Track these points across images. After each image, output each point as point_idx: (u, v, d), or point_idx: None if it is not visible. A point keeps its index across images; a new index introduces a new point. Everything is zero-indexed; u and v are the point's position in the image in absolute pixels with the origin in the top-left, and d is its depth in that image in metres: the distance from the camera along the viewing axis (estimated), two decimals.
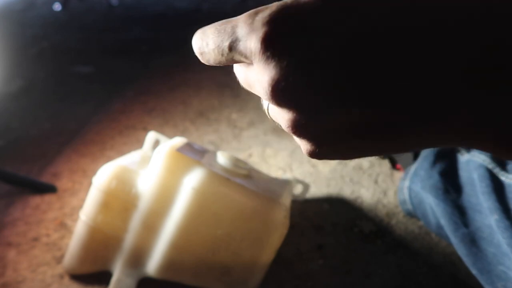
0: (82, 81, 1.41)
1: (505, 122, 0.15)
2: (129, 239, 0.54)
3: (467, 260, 0.54)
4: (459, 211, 0.57)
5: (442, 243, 0.66)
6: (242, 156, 0.92)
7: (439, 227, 0.62)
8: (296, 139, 0.19)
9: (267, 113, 0.20)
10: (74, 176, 0.83)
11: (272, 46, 0.16)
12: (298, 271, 0.61)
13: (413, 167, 0.71)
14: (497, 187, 0.53)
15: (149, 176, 0.53)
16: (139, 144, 0.96)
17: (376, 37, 0.15)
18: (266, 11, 0.16)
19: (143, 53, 1.78)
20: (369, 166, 0.85)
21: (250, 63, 0.17)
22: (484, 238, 0.52)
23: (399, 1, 0.15)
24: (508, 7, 0.14)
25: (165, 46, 1.89)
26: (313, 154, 0.19)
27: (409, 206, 0.70)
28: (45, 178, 0.81)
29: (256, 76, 0.17)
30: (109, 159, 0.89)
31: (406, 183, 0.70)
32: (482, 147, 0.17)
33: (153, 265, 0.54)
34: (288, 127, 0.18)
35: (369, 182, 0.82)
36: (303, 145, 0.19)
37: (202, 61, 0.19)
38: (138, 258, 0.55)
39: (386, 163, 0.86)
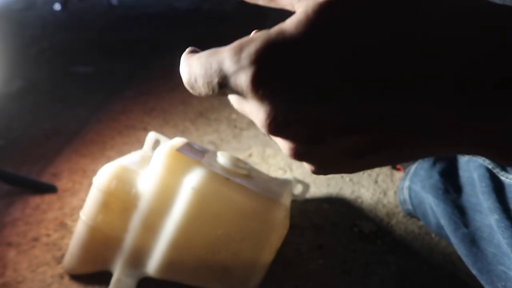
0: (82, 81, 1.41)
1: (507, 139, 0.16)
2: (129, 239, 0.54)
3: (467, 260, 0.54)
4: (459, 211, 0.57)
5: (442, 243, 0.66)
6: (242, 156, 0.92)
7: (439, 227, 0.62)
8: None
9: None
10: (74, 176, 0.83)
11: (263, 86, 0.15)
12: (298, 271, 0.61)
13: (413, 167, 0.71)
14: (497, 187, 0.53)
15: (149, 176, 0.53)
16: (139, 144, 0.96)
17: (366, 69, 0.15)
18: (251, 47, 0.15)
19: (143, 53, 1.78)
20: None
21: (243, 97, 0.17)
22: (484, 238, 0.52)
23: (389, 31, 0.15)
24: None
25: (165, 46, 1.89)
26: (316, 173, 0.20)
27: (409, 206, 0.70)
28: (45, 178, 0.81)
29: (250, 110, 0.17)
30: (109, 159, 0.89)
31: (406, 183, 0.70)
32: (483, 156, 0.17)
33: (153, 265, 0.54)
34: (289, 154, 0.18)
35: (369, 182, 0.82)
36: (307, 166, 0.19)
37: (193, 93, 0.19)
38: (138, 258, 0.55)
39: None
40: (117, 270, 0.55)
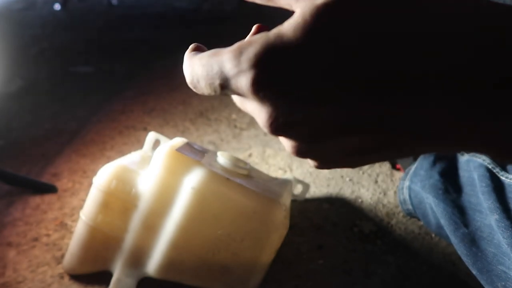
0: (82, 81, 1.41)
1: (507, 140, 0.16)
2: (129, 239, 0.54)
3: (467, 260, 0.54)
4: (459, 211, 0.57)
5: (442, 243, 0.66)
6: (242, 156, 0.92)
7: (439, 227, 0.62)
8: None
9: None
10: (74, 176, 0.83)
11: (263, 89, 0.16)
12: (298, 271, 0.61)
13: (413, 167, 0.71)
14: (497, 187, 0.53)
15: (149, 176, 0.53)
16: (139, 144, 0.96)
17: (365, 70, 0.15)
18: (250, 50, 0.16)
19: (143, 53, 1.78)
20: (369, 166, 0.85)
21: (245, 97, 0.17)
22: (484, 238, 0.52)
23: (388, 32, 0.15)
24: None
25: (165, 46, 1.89)
26: (319, 168, 0.20)
27: (409, 206, 0.70)
28: (45, 178, 0.81)
29: (252, 110, 0.18)
30: (109, 159, 0.89)
31: (406, 183, 0.70)
32: (483, 154, 0.18)
33: (153, 265, 0.54)
34: (292, 152, 0.19)
35: (369, 182, 0.82)
36: (309, 162, 0.20)
37: (197, 92, 0.19)
38: (138, 258, 0.55)
39: (386, 163, 0.86)
40: (117, 270, 0.55)
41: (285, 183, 0.65)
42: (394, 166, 0.85)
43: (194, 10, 2.69)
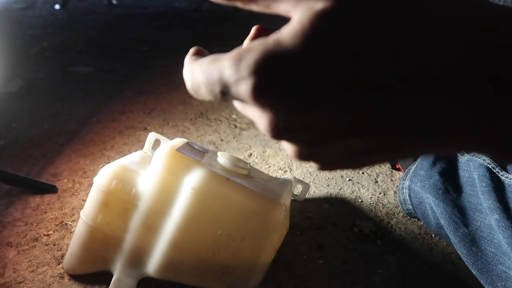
0: (82, 81, 1.41)
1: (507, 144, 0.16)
2: (129, 239, 0.54)
3: (467, 260, 0.54)
4: (459, 211, 0.57)
5: (442, 243, 0.66)
6: (242, 156, 0.92)
7: (439, 227, 0.62)
8: None
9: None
10: (74, 176, 0.83)
11: (263, 95, 0.16)
12: (298, 271, 0.61)
13: (413, 167, 0.71)
14: (497, 186, 0.53)
15: (149, 176, 0.53)
16: (139, 144, 0.96)
17: (364, 75, 0.15)
18: (250, 57, 0.16)
19: (143, 53, 1.78)
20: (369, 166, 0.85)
21: (246, 103, 0.18)
22: (484, 238, 0.52)
23: (386, 36, 0.15)
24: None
25: (165, 46, 1.89)
26: (321, 170, 0.20)
27: (409, 206, 0.70)
28: (45, 178, 0.81)
29: (253, 115, 0.18)
30: (109, 159, 0.89)
31: (406, 183, 0.70)
32: (484, 154, 0.18)
33: (153, 265, 0.54)
34: (293, 156, 0.19)
35: (369, 182, 0.82)
36: (312, 165, 0.20)
37: (198, 98, 0.20)
38: (138, 258, 0.55)
39: (386, 163, 0.86)
40: (117, 270, 0.55)
41: (285, 183, 0.65)
42: (394, 166, 0.85)
43: (194, 10, 2.69)
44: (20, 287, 0.57)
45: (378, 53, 0.15)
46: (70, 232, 0.67)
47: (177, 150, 0.54)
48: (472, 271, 0.53)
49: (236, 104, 0.20)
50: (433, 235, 0.68)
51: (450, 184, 0.61)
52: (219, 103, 1.15)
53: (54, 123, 1.07)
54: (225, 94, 0.17)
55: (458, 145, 0.17)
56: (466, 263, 0.54)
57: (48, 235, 0.67)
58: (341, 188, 0.80)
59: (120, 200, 0.54)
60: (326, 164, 0.20)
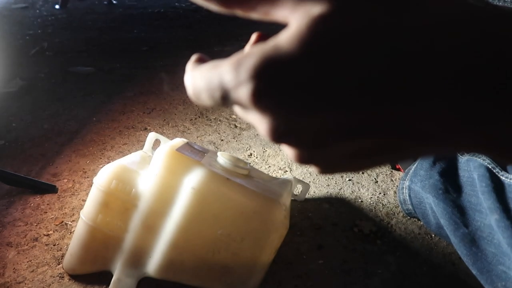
0: (82, 81, 1.41)
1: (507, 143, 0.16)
2: (129, 239, 0.54)
3: (467, 260, 0.54)
4: (459, 211, 0.57)
5: (442, 243, 0.66)
6: (242, 156, 0.92)
7: (439, 227, 0.62)
8: None
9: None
10: (74, 176, 0.83)
11: (262, 100, 0.16)
12: (298, 271, 0.61)
13: (413, 167, 0.71)
14: (497, 186, 0.53)
15: (149, 176, 0.53)
16: (140, 144, 0.96)
17: (364, 77, 0.15)
18: (248, 62, 0.16)
19: (143, 53, 1.78)
20: None
21: (246, 108, 0.18)
22: (484, 238, 0.52)
23: (387, 37, 0.15)
24: None
25: (165, 46, 1.89)
26: (322, 174, 0.21)
27: (409, 206, 0.70)
28: (45, 178, 0.81)
29: (254, 120, 0.18)
30: (109, 159, 0.89)
31: (406, 183, 0.70)
32: (486, 155, 0.18)
33: (153, 265, 0.54)
34: (294, 160, 0.19)
35: (369, 182, 0.82)
36: (313, 168, 0.20)
37: (199, 104, 0.20)
38: (138, 258, 0.55)
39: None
40: (117, 270, 0.55)
41: (285, 183, 0.65)
42: (394, 166, 0.85)
43: (194, 10, 2.69)
44: (20, 287, 0.57)
45: (377, 55, 0.15)
46: (70, 232, 0.67)
47: (177, 150, 0.54)
48: (472, 271, 0.53)
49: (236, 109, 0.20)
50: (433, 235, 0.68)
51: (450, 184, 0.61)
52: None
53: (54, 123, 1.07)
54: (225, 99, 0.17)
55: (459, 145, 0.17)
56: (466, 263, 0.54)
57: (48, 235, 0.67)
58: (341, 188, 0.80)
59: (120, 200, 0.54)
60: (327, 167, 0.20)
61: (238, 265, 0.54)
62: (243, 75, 0.16)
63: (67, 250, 0.59)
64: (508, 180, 0.53)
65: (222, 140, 0.99)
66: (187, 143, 0.60)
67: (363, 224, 0.70)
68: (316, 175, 0.83)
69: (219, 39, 1.99)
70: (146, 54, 1.76)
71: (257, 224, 0.52)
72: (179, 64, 1.53)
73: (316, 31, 0.15)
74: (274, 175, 0.81)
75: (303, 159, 0.19)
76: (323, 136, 0.17)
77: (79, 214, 0.68)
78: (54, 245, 0.64)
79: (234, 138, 1.00)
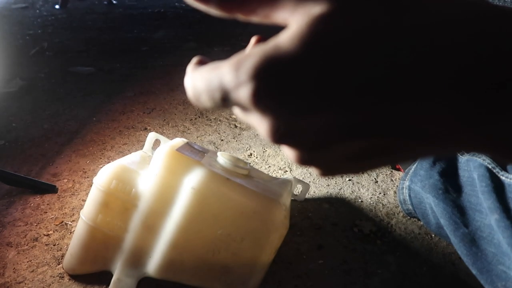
0: (82, 81, 1.41)
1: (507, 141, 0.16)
2: (129, 239, 0.54)
3: (467, 260, 0.54)
4: (459, 211, 0.57)
5: (442, 243, 0.66)
6: (242, 156, 0.92)
7: (439, 227, 0.62)
8: None
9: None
10: (74, 176, 0.83)
11: (263, 100, 0.16)
12: (298, 271, 0.61)
13: (413, 167, 0.71)
14: (497, 186, 0.53)
15: (149, 176, 0.53)
16: (139, 144, 0.96)
17: (364, 77, 0.15)
18: (249, 63, 0.16)
19: (143, 53, 1.78)
20: None
21: (246, 109, 0.18)
22: (484, 238, 0.52)
23: (386, 38, 0.15)
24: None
25: (165, 46, 1.89)
26: (323, 176, 0.20)
27: (409, 206, 0.70)
28: (45, 178, 0.81)
29: (254, 121, 0.18)
30: (109, 159, 0.89)
31: (406, 183, 0.70)
32: (486, 154, 0.18)
33: (153, 265, 0.54)
34: (295, 161, 0.19)
35: (369, 182, 0.82)
36: (314, 171, 0.21)
37: (200, 107, 0.20)
38: (138, 258, 0.55)
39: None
40: (117, 270, 0.55)
41: (285, 183, 0.65)
42: (394, 166, 0.85)
43: (194, 10, 2.69)
44: (20, 287, 0.57)
45: (377, 55, 0.15)
46: (70, 232, 0.67)
47: (177, 150, 0.54)
48: (472, 271, 0.53)
49: (236, 111, 0.20)
50: (433, 235, 0.68)
51: (450, 184, 0.61)
52: None
53: (54, 123, 1.07)
54: (225, 100, 0.17)
55: (460, 145, 0.17)
56: (466, 263, 0.54)
57: (48, 235, 0.67)
58: (341, 188, 0.80)
59: (120, 200, 0.54)
60: (328, 169, 0.20)
61: (238, 265, 0.54)
62: (243, 76, 0.16)
63: (67, 250, 0.59)
64: (508, 180, 0.53)
65: (222, 140, 0.99)
66: (187, 143, 0.60)
67: (363, 224, 0.70)
68: (316, 175, 0.83)
69: (219, 39, 1.99)
70: (146, 54, 1.76)
71: (257, 224, 0.52)
72: (179, 64, 1.53)
73: (317, 31, 0.15)
74: (274, 175, 0.81)
75: (303, 161, 0.19)
76: (323, 137, 0.17)
77: (79, 214, 0.68)
78: (54, 245, 0.64)
79: (234, 138, 1.00)
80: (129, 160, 0.60)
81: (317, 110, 0.16)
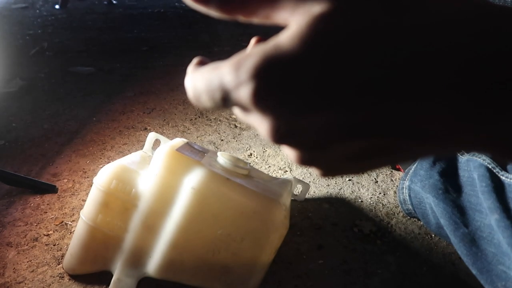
0: (82, 81, 1.41)
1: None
2: (129, 239, 0.54)
3: (467, 260, 0.54)
4: (459, 211, 0.57)
5: (442, 243, 0.66)
6: (242, 156, 0.92)
7: (439, 227, 0.62)
8: None
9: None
10: (74, 176, 0.83)
11: (263, 99, 0.16)
12: (298, 271, 0.61)
13: (413, 167, 0.71)
14: (497, 186, 0.53)
15: (149, 176, 0.53)
16: (140, 144, 0.96)
17: (364, 77, 0.15)
18: (249, 62, 0.16)
19: (143, 53, 1.78)
20: None
21: (246, 110, 0.18)
22: (484, 238, 0.52)
23: (387, 37, 0.15)
24: None
25: (165, 46, 1.89)
26: (324, 177, 0.20)
27: (409, 206, 0.70)
28: (45, 178, 0.81)
29: (254, 121, 0.18)
30: (109, 159, 0.89)
31: (406, 183, 0.70)
32: (487, 153, 0.18)
33: (153, 265, 0.54)
34: (295, 161, 0.19)
35: (369, 182, 0.82)
36: (314, 171, 0.20)
37: (200, 107, 0.20)
38: (138, 258, 0.55)
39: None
40: (117, 270, 0.55)
41: (285, 183, 0.65)
42: (394, 166, 0.85)
43: (194, 10, 2.69)
44: (20, 287, 0.57)
45: (377, 55, 0.15)
46: (70, 232, 0.67)
47: (177, 150, 0.54)
48: (472, 271, 0.53)
49: (237, 111, 0.20)
50: (433, 235, 0.68)
51: (450, 184, 0.61)
52: None
53: (54, 123, 1.07)
54: (226, 100, 0.17)
55: (460, 144, 0.17)
56: (466, 263, 0.54)
57: (48, 235, 0.67)
58: (341, 188, 0.80)
59: (120, 200, 0.54)
60: (328, 169, 0.20)
61: (238, 265, 0.54)
62: (244, 75, 0.16)
63: (67, 250, 0.59)
64: (508, 180, 0.53)
65: (222, 140, 0.99)
66: (187, 143, 0.60)
67: (363, 224, 0.70)
68: (316, 175, 0.83)
69: (219, 39, 1.99)
70: (146, 54, 1.76)
71: (257, 224, 0.52)
72: (179, 64, 1.53)
73: (317, 30, 0.15)
74: (274, 175, 0.81)
75: (304, 161, 0.19)
76: (324, 136, 0.17)
77: (79, 214, 0.68)
78: (54, 245, 0.64)
79: (234, 138, 1.00)
80: (129, 160, 0.60)
81: (318, 110, 0.16)
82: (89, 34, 2.12)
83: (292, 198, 0.75)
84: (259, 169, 0.75)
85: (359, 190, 0.79)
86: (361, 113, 0.16)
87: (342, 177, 0.83)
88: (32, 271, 0.60)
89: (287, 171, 0.86)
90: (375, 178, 0.83)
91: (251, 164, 0.83)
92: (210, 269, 0.54)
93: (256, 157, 0.91)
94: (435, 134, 0.16)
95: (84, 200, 0.72)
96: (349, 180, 0.82)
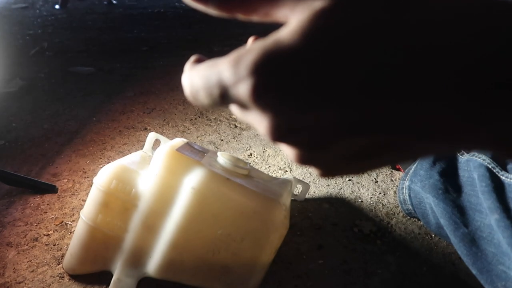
0: (82, 81, 1.41)
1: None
2: (129, 239, 0.54)
3: (467, 260, 0.54)
4: (459, 211, 0.57)
5: (442, 243, 0.66)
6: (242, 156, 0.92)
7: (439, 227, 0.62)
8: None
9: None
10: (74, 176, 0.83)
11: (263, 96, 0.16)
12: (298, 271, 0.61)
13: (413, 167, 0.71)
14: (497, 186, 0.53)
15: (149, 176, 0.53)
16: (140, 144, 0.96)
17: (365, 74, 0.15)
18: (248, 58, 0.15)
19: (143, 53, 1.78)
20: None
21: (245, 107, 0.17)
22: (484, 238, 0.52)
23: (387, 34, 0.15)
24: None
25: (165, 46, 1.89)
26: (323, 176, 0.20)
27: (409, 206, 0.70)
28: (45, 178, 0.81)
29: (253, 119, 0.18)
30: (109, 159, 0.89)
31: (406, 183, 0.70)
32: (486, 152, 0.18)
33: (153, 265, 0.54)
34: (295, 160, 0.19)
35: (369, 182, 0.82)
36: (314, 171, 0.20)
37: (197, 105, 0.19)
38: (138, 258, 0.55)
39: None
40: (117, 270, 0.55)
41: (285, 183, 0.65)
42: (394, 166, 0.85)
43: (194, 10, 2.69)
44: (20, 287, 0.57)
45: (376, 52, 0.15)
46: (70, 232, 0.67)
47: (177, 150, 0.54)
48: (472, 271, 0.53)
49: (235, 110, 0.19)
50: (433, 235, 0.68)
51: (450, 184, 0.61)
52: None
53: (54, 123, 1.07)
54: (224, 97, 0.17)
55: (461, 143, 0.17)
56: (466, 263, 0.54)
57: (48, 235, 0.67)
58: (341, 188, 0.80)
59: (120, 200, 0.54)
60: (328, 169, 0.19)
61: (238, 265, 0.54)
62: (243, 71, 0.15)
63: (67, 250, 0.59)
64: (508, 180, 0.53)
65: (222, 140, 0.99)
66: (187, 143, 0.60)
67: (363, 224, 0.70)
68: (316, 175, 0.83)
69: (219, 39, 1.99)
70: (146, 54, 1.76)
71: (257, 224, 0.52)
72: (178, 64, 1.52)
73: (318, 25, 0.15)
74: (274, 175, 0.81)
75: (303, 160, 0.19)
76: (324, 134, 0.17)
77: (79, 214, 0.68)
78: (54, 245, 0.64)
79: (234, 138, 1.00)
80: (129, 160, 0.60)
81: (318, 107, 0.15)
82: (89, 34, 2.12)
83: (292, 198, 0.75)
84: (259, 169, 0.75)
85: (359, 190, 0.79)
86: (361, 111, 0.15)
87: (342, 177, 0.83)
88: (32, 271, 0.60)
89: (287, 171, 0.86)
90: (375, 178, 0.83)
91: (251, 164, 0.83)
92: (210, 269, 0.54)
93: (256, 157, 0.91)
94: (435, 134, 0.16)
95: (84, 200, 0.72)
96: (349, 180, 0.82)
